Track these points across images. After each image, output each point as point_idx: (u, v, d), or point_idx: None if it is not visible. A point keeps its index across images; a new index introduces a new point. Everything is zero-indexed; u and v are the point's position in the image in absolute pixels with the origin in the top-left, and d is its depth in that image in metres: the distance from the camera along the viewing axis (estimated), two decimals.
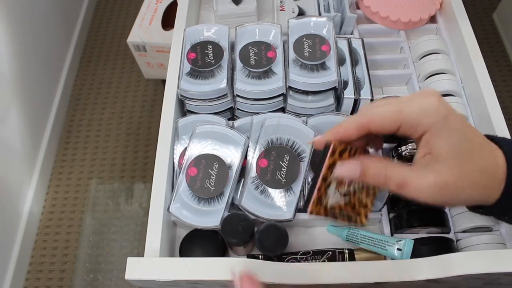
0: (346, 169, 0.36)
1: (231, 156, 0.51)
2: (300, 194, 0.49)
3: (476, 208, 0.38)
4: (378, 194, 0.41)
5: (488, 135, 0.37)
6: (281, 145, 0.51)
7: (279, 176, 0.49)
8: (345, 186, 0.40)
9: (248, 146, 0.52)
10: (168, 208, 0.48)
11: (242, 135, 0.52)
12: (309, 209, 0.40)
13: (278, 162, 0.50)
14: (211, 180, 0.49)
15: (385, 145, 0.52)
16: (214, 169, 0.50)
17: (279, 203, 0.49)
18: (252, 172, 0.50)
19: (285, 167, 0.50)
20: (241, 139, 0.52)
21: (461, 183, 0.33)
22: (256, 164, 0.50)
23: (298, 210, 0.49)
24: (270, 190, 0.49)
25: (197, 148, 0.51)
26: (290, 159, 0.50)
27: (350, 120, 0.36)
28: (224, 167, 0.50)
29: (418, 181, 0.33)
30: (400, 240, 0.47)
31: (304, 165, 0.50)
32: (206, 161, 0.50)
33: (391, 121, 0.34)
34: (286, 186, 0.49)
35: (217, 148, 0.51)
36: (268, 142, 0.51)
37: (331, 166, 0.38)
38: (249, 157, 0.51)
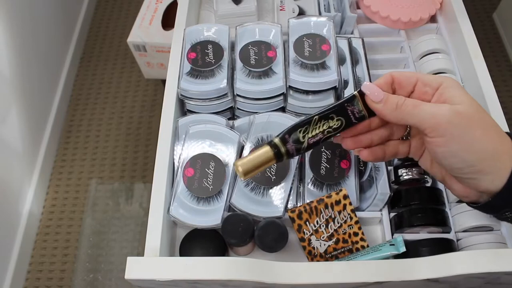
0: (372, 90, 0.38)
1: (227, 153, 0.51)
2: (290, 191, 0.49)
3: (474, 203, 0.39)
4: None
5: None
6: None
7: (268, 174, 0.49)
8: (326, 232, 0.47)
9: (241, 143, 0.52)
10: (168, 210, 0.48)
11: (236, 132, 0.52)
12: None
13: None
14: (208, 179, 0.49)
15: None
16: (211, 168, 0.50)
17: (269, 201, 0.49)
18: None
19: (275, 164, 0.50)
20: (235, 136, 0.52)
21: (474, 127, 0.35)
22: None
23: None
24: (260, 187, 0.49)
25: (192, 149, 0.51)
26: None
27: (379, 79, 0.40)
28: (220, 165, 0.50)
29: (433, 106, 0.36)
30: (389, 240, 0.47)
31: (294, 162, 0.50)
32: (202, 160, 0.50)
33: (410, 75, 0.39)
34: (275, 183, 0.49)
35: (212, 147, 0.51)
36: (258, 139, 0.51)
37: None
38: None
